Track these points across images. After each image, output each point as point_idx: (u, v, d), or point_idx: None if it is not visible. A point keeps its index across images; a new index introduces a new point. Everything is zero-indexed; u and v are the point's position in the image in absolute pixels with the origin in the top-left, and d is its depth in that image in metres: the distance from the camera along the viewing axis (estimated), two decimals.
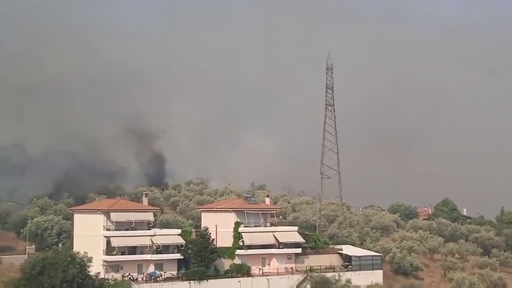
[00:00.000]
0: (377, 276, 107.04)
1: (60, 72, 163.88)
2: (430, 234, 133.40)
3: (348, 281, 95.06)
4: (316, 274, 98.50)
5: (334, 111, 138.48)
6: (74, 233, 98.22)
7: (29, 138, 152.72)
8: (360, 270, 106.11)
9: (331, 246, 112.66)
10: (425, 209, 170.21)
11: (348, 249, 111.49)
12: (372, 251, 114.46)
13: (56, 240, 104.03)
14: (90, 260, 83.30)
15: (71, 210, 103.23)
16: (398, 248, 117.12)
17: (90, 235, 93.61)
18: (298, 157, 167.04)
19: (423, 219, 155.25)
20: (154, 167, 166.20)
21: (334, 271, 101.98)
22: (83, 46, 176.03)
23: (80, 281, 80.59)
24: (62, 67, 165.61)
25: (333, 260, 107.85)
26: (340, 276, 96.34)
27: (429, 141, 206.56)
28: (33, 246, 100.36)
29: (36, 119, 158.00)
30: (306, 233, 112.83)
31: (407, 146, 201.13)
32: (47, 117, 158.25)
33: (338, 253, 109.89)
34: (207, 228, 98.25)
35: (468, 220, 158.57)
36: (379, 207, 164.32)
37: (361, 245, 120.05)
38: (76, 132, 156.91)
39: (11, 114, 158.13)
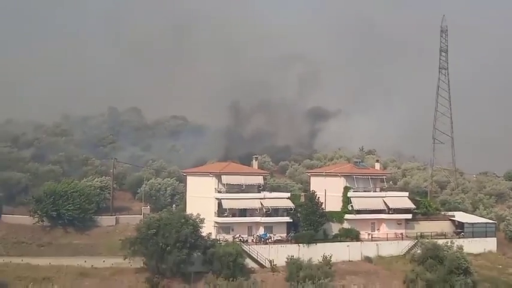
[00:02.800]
0: (490, 243, 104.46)
1: None
2: None
3: (460, 248, 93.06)
4: (426, 240, 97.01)
5: (448, 74, 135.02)
6: (187, 195, 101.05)
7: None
8: (473, 237, 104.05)
9: (442, 212, 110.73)
10: None
11: (460, 216, 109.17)
12: (485, 218, 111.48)
13: (169, 201, 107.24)
14: (202, 221, 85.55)
15: (184, 172, 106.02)
16: None
17: (202, 197, 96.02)
18: (409, 122, 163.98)
19: None
20: None
21: (445, 238, 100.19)
22: None
23: (193, 241, 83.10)
24: None
25: (444, 226, 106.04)
26: (452, 243, 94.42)
27: None
28: (148, 206, 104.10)
29: None
30: (417, 198, 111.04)
31: None
32: None
33: (450, 220, 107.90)
34: (315, 192, 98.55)
35: None
36: (494, 173, 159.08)
37: (474, 212, 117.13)
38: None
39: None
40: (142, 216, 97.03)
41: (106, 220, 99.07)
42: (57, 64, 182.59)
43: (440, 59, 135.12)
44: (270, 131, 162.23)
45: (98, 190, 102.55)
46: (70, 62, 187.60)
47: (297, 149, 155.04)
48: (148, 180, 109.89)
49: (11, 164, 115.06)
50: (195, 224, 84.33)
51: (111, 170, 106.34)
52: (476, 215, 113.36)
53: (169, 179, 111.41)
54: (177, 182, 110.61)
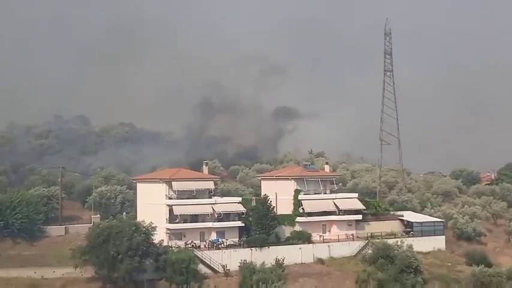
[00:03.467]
0: (439, 242, 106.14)
1: None
2: (494, 199, 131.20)
3: (410, 247, 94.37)
4: (377, 240, 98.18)
5: (393, 77, 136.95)
6: (138, 202, 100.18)
7: None
8: (422, 236, 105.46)
9: (391, 212, 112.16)
10: (488, 174, 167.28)
11: (409, 216, 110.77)
12: (433, 216, 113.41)
13: (119, 209, 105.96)
14: (154, 228, 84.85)
15: (133, 179, 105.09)
16: (460, 214, 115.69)
17: (153, 204, 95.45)
18: (357, 123, 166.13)
19: (485, 185, 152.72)
20: None
21: (395, 237, 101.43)
22: None
23: (145, 248, 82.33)
24: None
25: (394, 226, 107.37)
26: (402, 243, 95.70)
27: (494, 105, 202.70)
28: (98, 215, 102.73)
29: None
30: (366, 199, 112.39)
31: (472, 111, 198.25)
32: None
33: (399, 219, 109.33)
34: (267, 196, 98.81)
35: None
36: (440, 173, 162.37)
37: (422, 211, 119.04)
38: None
39: None
40: (92, 225, 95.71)
41: (55, 230, 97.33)
42: (1, 73, 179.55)
43: (384, 61, 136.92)
44: (222, 136, 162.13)
45: (45, 200, 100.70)
46: (14, 68, 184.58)
47: (249, 153, 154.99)
48: (97, 189, 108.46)
49: None
50: (146, 231, 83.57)
51: (59, 179, 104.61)
52: (425, 214, 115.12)
53: (118, 187, 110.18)
54: (127, 190, 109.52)
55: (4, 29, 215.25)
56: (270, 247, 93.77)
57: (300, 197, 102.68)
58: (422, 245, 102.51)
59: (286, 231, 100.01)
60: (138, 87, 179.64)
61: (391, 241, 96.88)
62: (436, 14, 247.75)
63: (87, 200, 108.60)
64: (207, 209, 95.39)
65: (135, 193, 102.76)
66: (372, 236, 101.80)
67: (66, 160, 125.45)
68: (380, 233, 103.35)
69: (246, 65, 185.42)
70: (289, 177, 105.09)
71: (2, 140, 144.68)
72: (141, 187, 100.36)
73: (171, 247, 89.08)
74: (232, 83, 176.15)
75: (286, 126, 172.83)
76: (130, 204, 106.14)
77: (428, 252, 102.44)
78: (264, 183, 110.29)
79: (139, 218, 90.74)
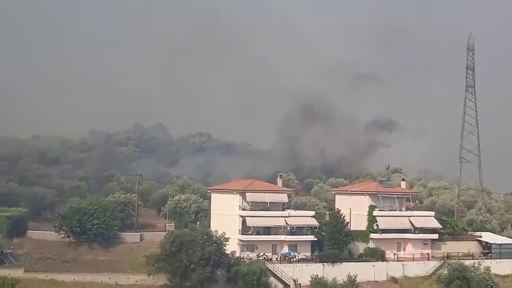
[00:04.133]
0: None
1: None
2: None
3: (487, 269, 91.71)
4: (453, 261, 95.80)
5: (475, 93, 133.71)
6: (211, 212, 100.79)
7: None
8: (501, 258, 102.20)
9: (469, 233, 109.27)
10: None
11: (488, 237, 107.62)
12: None
13: (194, 218, 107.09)
14: (226, 239, 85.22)
15: (208, 189, 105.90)
16: None
17: (226, 214, 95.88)
18: (436, 141, 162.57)
19: None
20: None
21: (472, 258, 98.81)
22: None
23: (217, 258, 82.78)
24: None
25: (471, 247, 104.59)
26: (479, 264, 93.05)
27: None
28: (173, 223, 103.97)
29: None
30: (443, 218, 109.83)
31: None
32: None
33: (477, 240, 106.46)
34: (340, 211, 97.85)
35: None
36: None
37: (502, 232, 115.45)
38: None
39: None
40: (166, 233, 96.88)
41: (131, 237, 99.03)
42: (84, 80, 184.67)
43: (467, 76, 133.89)
44: (299, 148, 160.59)
45: (122, 206, 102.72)
46: (96, 78, 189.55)
47: (325, 167, 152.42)
48: (173, 197, 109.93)
49: (37, 180, 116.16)
50: (218, 242, 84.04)
51: (136, 187, 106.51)
52: (504, 236, 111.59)
53: (194, 196, 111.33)
54: (202, 199, 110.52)
55: (90, 36, 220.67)
56: (343, 263, 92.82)
57: (375, 213, 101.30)
58: (501, 267, 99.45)
59: (360, 247, 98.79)
60: (216, 96, 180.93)
61: (468, 262, 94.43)
62: None
63: (162, 208, 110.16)
64: (280, 222, 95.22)
65: (209, 203, 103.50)
66: (448, 256, 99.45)
67: (143, 168, 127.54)
68: (456, 254, 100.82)
69: (327, 74, 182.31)
70: (364, 193, 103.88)
71: (83, 147, 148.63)
72: (215, 197, 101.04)
73: (243, 258, 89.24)
74: (308, 93, 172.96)
75: (378, 139, 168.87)
76: (204, 214, 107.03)
77: (507, 276, 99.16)
78: (338, 198, 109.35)
79: (212, 228, 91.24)
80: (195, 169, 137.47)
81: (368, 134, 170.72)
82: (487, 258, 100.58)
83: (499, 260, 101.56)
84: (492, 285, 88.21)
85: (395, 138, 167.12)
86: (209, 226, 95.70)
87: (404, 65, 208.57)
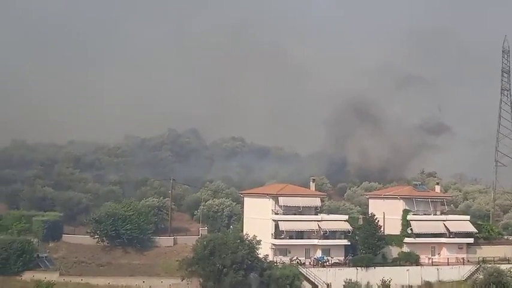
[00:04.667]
0: None
1: None
2: None
3: None
4: (489, 265, 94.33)
5: (510, 96, 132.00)
6: (244, 216, 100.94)
7: None
8: None
9: (505, 237, 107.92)
10: None
11: None
12: None
13: (227, 222, 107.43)
14: (258, 242, 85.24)
15: (241, 193, 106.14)
16: None
17: (259, 218, 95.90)
18: (471, 144, 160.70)
19: None
20: None
21: (509, 263, 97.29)
22: None
23: (249, 262, 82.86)
24: None
25: (507, 251, 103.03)
26: None
27: None
28: (206, 227, 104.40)
29: None
30: (479, 222, 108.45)
31: None
32: None
33: None
34: (374, 215, 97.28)
35: None
36: None
37: None
38: None
39: None
40: (199, 237, 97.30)
41: (164, 241, 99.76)
42: (118, 86, 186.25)
43: (502, 79, 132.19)
44: (331, 153, 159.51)
45: (156, 210, 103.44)
46: (131, 83, 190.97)
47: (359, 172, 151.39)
48: (206, 201, 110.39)
49: (73, 184, 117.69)
50: (251, 245, 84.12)
51: (170, 191, 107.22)
52: None
53: (226, 200, 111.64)
54: (235, 203, 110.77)
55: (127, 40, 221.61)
56: (376, 267, 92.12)
57: (409, 217, 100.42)
58: None
59: (393, 251, 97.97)
60: (251, 100, 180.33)
61: (504, 267, 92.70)
62: None
63: (195, 212, 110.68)
64: (313, 226, 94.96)
65: (242, 207, 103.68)
66: (484, 261, 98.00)
67: (177, 172, 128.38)
68: (492, 258, 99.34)
69: (366, 77, 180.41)
70: (398, 197, 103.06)
71: (118, 152, 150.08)
72: (248, 201, 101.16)
73: (276, 263, 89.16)
74: (348, 97, 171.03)
75: (427, 141, 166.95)
76: (237, 218, 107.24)
77: None
78: (371, 202, 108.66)
79: (245, 232, 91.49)
80: (227, 173, 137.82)
81: (414, 138, 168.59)
82: None
83: None
84: None
85: (444, 142, 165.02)
86: (242, 230, 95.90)
87: (442, 68, 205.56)
